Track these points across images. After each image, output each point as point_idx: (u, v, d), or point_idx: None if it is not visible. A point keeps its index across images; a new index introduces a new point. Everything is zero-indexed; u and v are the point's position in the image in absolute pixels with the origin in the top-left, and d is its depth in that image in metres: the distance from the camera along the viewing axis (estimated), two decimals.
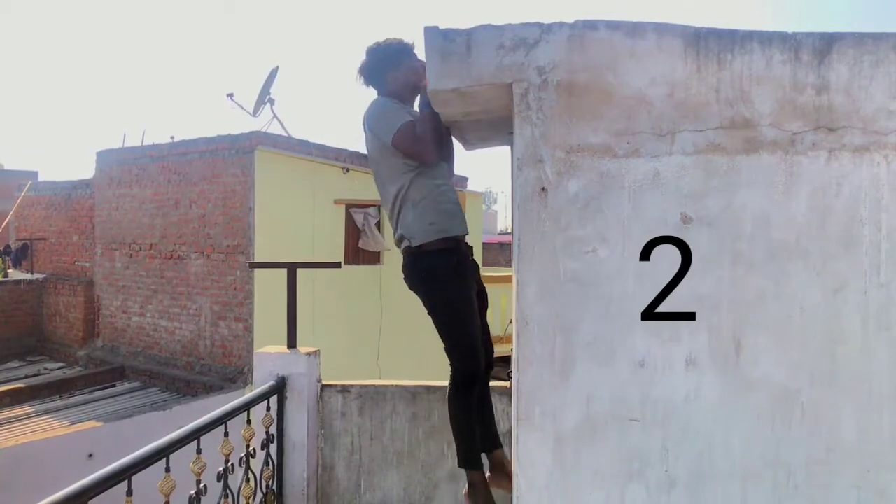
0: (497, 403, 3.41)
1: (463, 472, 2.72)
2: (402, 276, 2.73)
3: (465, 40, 1.87)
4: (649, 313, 1.81)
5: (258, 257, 9.02)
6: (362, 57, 2.81)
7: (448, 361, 2.68)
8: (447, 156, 2.79)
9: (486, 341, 2.81)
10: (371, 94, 2.83)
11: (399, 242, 2.69)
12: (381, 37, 2.83)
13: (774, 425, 1.78)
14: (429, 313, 2.67)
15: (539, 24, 1.84)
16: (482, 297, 2.80)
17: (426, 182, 2.64)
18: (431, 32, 1.90)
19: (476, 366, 2.64)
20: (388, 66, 2.74)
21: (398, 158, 2.62)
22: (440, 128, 2.52)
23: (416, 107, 2.76)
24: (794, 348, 1.78)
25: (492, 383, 3.18)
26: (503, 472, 2.72)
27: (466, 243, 2.76)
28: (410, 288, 2.71)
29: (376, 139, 2.66)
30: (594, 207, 1.83)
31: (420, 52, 2.67)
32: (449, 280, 2.61)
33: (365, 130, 2.74)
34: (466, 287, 2.66)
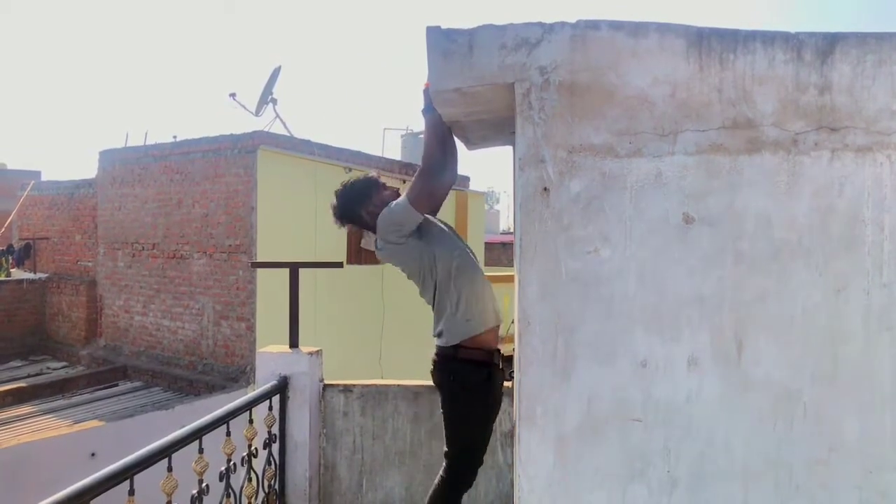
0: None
1: None
2: (431, 367, 2.74)
3: (468, 40, 1.88)
4: (651, 313, 1.81)
5: (260, 257, 9.02)
6: (333, 201, 2.90)
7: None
8: (453, 167, 2.76)
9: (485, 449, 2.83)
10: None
11: (435, 335, 2.73)
12: (346, 179, 2.92)
13: (776, 425, 1.78)
14: (443, 413, 2.70)
15: (541, 24, 1.84)
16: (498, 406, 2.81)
17: (460, 279, 2.66)
18: (433, 32, 1.90)
19: (472, 477, 2.71)
20: (360, 203, 2.83)
21: (412, 246, 2.66)
22: (442, 130, 2.50)
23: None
24: (795, 348, 1.78)
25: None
26: None
27: (500, 350, 2.76)
28: (435, 383, 2.74)
29: (395, 245, 2.68)
30: (596, 207, 1.83)
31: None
32: (474, 394, 2.64)
33: (383, 249, 2.75)
34: (491, 403, 2.70)
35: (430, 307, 2.77)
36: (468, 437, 2.67)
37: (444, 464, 2.72)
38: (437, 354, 2.71)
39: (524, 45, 1.84)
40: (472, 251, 2.85)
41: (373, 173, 2.93)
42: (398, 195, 2.76)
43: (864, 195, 1.76)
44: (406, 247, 2.67)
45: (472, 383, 2.62)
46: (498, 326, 2.77)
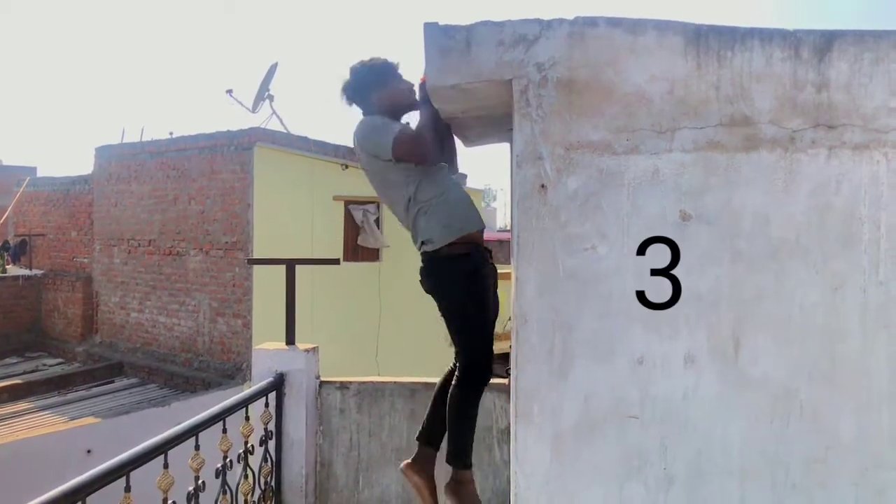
0: (496, 400, 3.42)
1: None
2: (419, 278, 2.71)
3: (465, 36, 1.87)
4: (648, 311, 1.81)
5: (257, 254, 9.02)
6: (345, 76, 2.77)
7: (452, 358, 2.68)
8: (449, 154, 2.78)
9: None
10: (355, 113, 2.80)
11: (419, 247, 2.69)
12: (364, 56, 2.81)
13: (773, 423, 1.78)
14: (443, 315, 2.66)
15: (539, 21, 1.83)
16: (496, 305, 2.78)
17: (431, 186, 2.63)
18: (431, 28, 1.90)
19: (489, 363, 2.64)
20: (373, 86, 2.71)
21: (398, 171, 2.61)
22: (439, 125, 2.51)
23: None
24: (792, 346, 1.78)
25: (492, 381, 3.18)
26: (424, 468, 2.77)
27: (485, 246, 2.74)
28: (427, 290, 2.71)
29: (374, 158, 2.64)
30: (593, 204, 1.83)
31: (417, 58, 2.67)
32: (468, 284, 2.61)
33: (359, 152, 2.72)
34: (484, 289, 2.66)
35: (408, 227, 2.72)
36: (474, 323, 2.61)
37: (457, 368, 2.67)
38: (421, 261, 2.67)
39: (522, 41, 1.84)
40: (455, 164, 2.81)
41: (392, 59, 2.79)
42: (412, 91, 2.69)
43: (860, 193, 1.76)
44: (387, 165, 2.61)
45: (459, 276, 2.58)
46: (482, 230, 2.73)
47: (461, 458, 2.65)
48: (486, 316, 2.64)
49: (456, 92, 1.97)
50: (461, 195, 2.73)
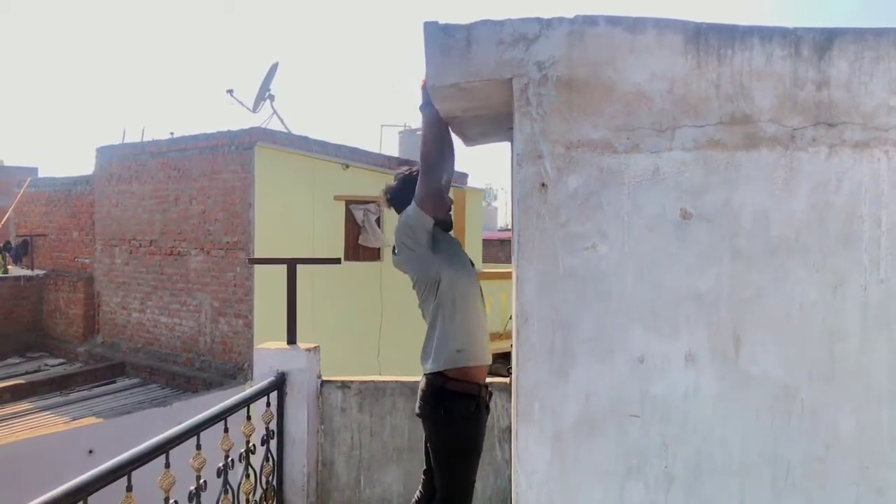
0: (497, 399, 3.42)
1: None
2: (417, 401, 2.71)
3: (465, 35, 1.87)
4: (648, 310, 1.81)
5: (258, 253, 9.02)
6: (392, 181, 2.87)
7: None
8: (450, 166, 2.75)
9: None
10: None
11: (424, 363, 2.70)
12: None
13: (773, 422, 1.78)
14: (432, 447, 2.68)
15: (539, 20, 1.83)
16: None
17: (461, 309, 2.65)
18: (431, 27, 1.90)
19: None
20: (410, 194, 2.71)
21: (426, 265, 2.64)
22: (441, 128, 2.50)
23: None
24: (793, 345, 1.78)
25: (492, 379, 3.19)
26: None
27: (487, 385, 2.75)
28: (420, 416, 2.71)
29: (410, 249, 2.67)
30: (594, 203, 1.83)
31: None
32: (464, 425, 2.62)
33: (399, 258, 2.75)
34: (479, 435, 2.68)
35: (425, 321, 2.75)
36: (459, 470, 2.64)
37: (435, 498, 2.69)
38: (425, 384, 2.68)
39: (522, 40, 1.84)
40: (476, 276, 2.83)
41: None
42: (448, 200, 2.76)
43: (861, 191, 1.76)
44: (417, 255, 2.66)
45: (459, 415, 2.60)
46: (488, 366, 2.74)
47: None
48: (473, 462, 2.67)
49: (456, 91, 1.97)
50: (481, 324, 2.73)
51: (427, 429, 2.69)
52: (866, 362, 1.77)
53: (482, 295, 2.82)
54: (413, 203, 2.60)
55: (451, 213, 2.81)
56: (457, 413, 2.60)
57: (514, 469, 1.88)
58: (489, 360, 2.75)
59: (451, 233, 2.87)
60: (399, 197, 2.81)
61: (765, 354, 1.79)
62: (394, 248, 2.78)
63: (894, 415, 1.77)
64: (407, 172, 2.86)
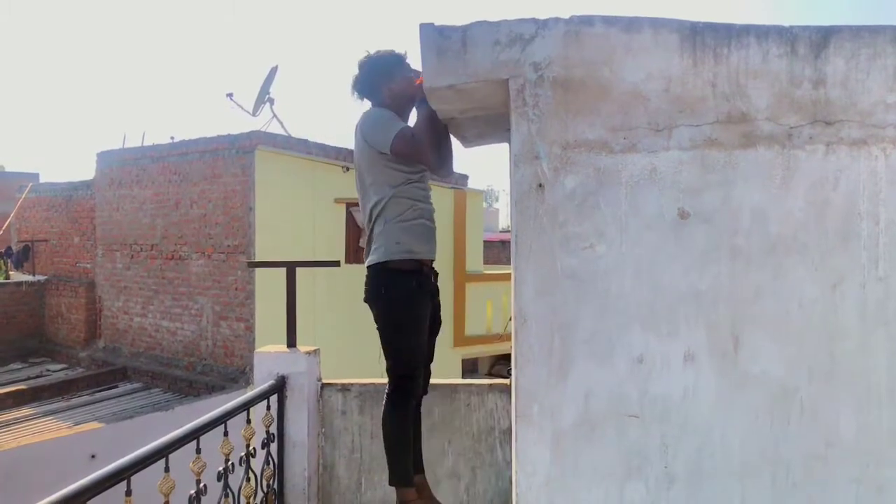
0: (497, 401, 3.41)
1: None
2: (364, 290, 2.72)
3: (461, 37, 1.87)
4: (647, 309, 1.81)
5: (259, 257, 9.02)
6: (354, 71, 2.77)
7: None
8: (446, 157, 2.77)
9: (427, 367, 2.85)
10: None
11: (366, 257, 2.70)
12: (371, 49, 2.80)
13: (773, 421, 1.78)
14: (377, 328, 2.69)
15: (535, 20, 1.83)
16: (435, 323, 2.81)
17: (405, 200, 2.64)
18: (427, 29, 1.90)
19: (413, 383, 2.70)
20: (382, 78, 2.71)
21: (389, 168, 2.61)
22: (438, 126, 2.51)
23: (412, 119, 2.73)
24: (792, 344, 1.78)
25: (493, 381, 3.18)
26: (423, 496, 2.79)
27: (432, 267, 2.76)
28: (366, 301, 2.71)
29: (370, 147, 2.64)
30: (591, 203, 1.82)
31: (413, 58, 2.66)
32: (404, 301, 2.62)
33: (357, 139, 2.71)
34: (420, 309, 2.67)
35: (363, 226, 2.75)
36: (401, 340, 2.66)
37: (387, 381, 2.71)
38: (367, 269, 2.68)
39: (518, 41, 1.84)
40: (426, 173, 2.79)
41: (399, 50, 2.78)
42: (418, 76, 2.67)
43: (859, 189, 1.76)
44: (380, 156, 2.61)
45: (400, 292, 2.60)
46: (431, 260, 2.75)
47: (396, 476, 2.70)
48: (419, 337, 2.68)
49: (452, 92, 1.97)
50: (427, 221, 2.73)
51: (372, 312, 2.69)
52: (866, 360, 1.76)
53: (448, 170, 2.80)
54: (391, 136, 2.53)
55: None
56: (398, 289, 2.60)
57: (515, 470, 1.87)
58: (433, 255, 2.74)
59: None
60: (365, 83, 2.73)
61: (764, 353, 1.78)
62: (357, 128, 2.70)
63: (894, 413, 1.76)
64: (365, 58, 2.75)
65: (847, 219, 1.76)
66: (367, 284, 2.69)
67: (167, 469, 2.27)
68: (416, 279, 2.64)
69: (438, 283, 2.84)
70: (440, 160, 2.68)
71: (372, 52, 2.77)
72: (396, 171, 2.62)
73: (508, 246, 1.99)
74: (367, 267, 2.68)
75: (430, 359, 2.85)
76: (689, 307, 1.80)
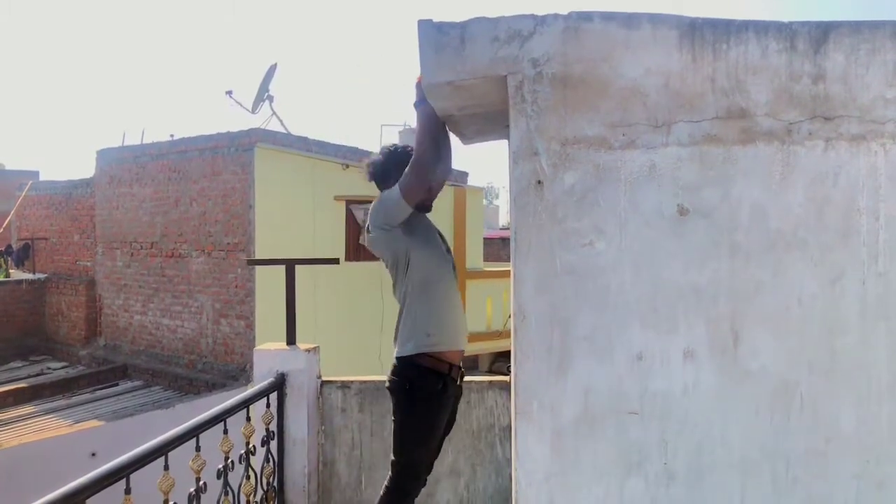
0: (497, 398, 3.41)
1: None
2: (387, 378, 2.70)
3: (459, 33, 1.86)
4: (646, 306, 1.80)
5: (259, 254, 9.02)
6: (376, 157, 2.80)
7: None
8: (446, 157, 2.72)
9: (433, 460, 2.81)
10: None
11: (395, 341, 2.68)
12: (398, 141, 2.81)
13: (773, 417, 1.78)
14: (393, 420, 2.66)
15: (533, 16, 1.83)
16: (450, 424, 2.78)
17: (432, 291, 2.62)
18: (425, 25, 1.89)
19: (415, 483, 2.68)
20: (398, 170, 2.66)
21: (393, 239, 2.62)
22: (436, 128, 2.48)
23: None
24: (792, 339, 1.77)
25: (492, 378, 3.17)
26: None
27: (459, 366, 2.71)
28: (388, 389, 2.68)
29: (380, 229, 2.64)
30: (590, 200, 1.82)
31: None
32: (426, 404, 2.59)
33: (370, 237, 2.72)
34: (439, 418, 2.65)
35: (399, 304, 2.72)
36: (414, 445, 2.63)
37: (389, 473, 2.69)
38: (396, 359, 2.66)
39: (516, 37, 1.83)
40: (453, 261, 2.79)
41: (412, 146, 2.78)
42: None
43: (858, 184, 1.75)
44: (390, 235, 2.63)
45: (425, 392, 2.57)
46: (462, 351, 2.71)
47: None
48: (428, 441, 2.65)
49: (451, 89, 1.96)
50: (455, 308, 2.70)
51: (392, 402, 2.67)
52: (866, 356, 1.76)
53: (456, 277, 2.78)
54: (397, 189, 2.55)
55: (434, 199, 2.75)
56: (422, 389, 2.57)
57: (514, 467, 1.87)
58: (463, 346, 2.71)
59: (442, 232, 2.84)
60: (382, 172, 2.76)
61: (764, 349, 1.78)
62: (367, 226, 2.72)
63: (894, 408, 1.76)
64: (392, 147, 2.79)
65: (847, 214, 1.76)
66: (393, 373, 2.66)
67: (167, 467, 2.27)
68: (443, 382, 2.60)
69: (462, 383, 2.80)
70: (443, 166, 2.67)
71: (392, 144, 2.82)
72: (417, 263, 2.62)
73: (508, 243, 1.98)
74: (396, 357, 2.66)
75: (437, 454, 2.81)
76: (688, 303, 1.80)
